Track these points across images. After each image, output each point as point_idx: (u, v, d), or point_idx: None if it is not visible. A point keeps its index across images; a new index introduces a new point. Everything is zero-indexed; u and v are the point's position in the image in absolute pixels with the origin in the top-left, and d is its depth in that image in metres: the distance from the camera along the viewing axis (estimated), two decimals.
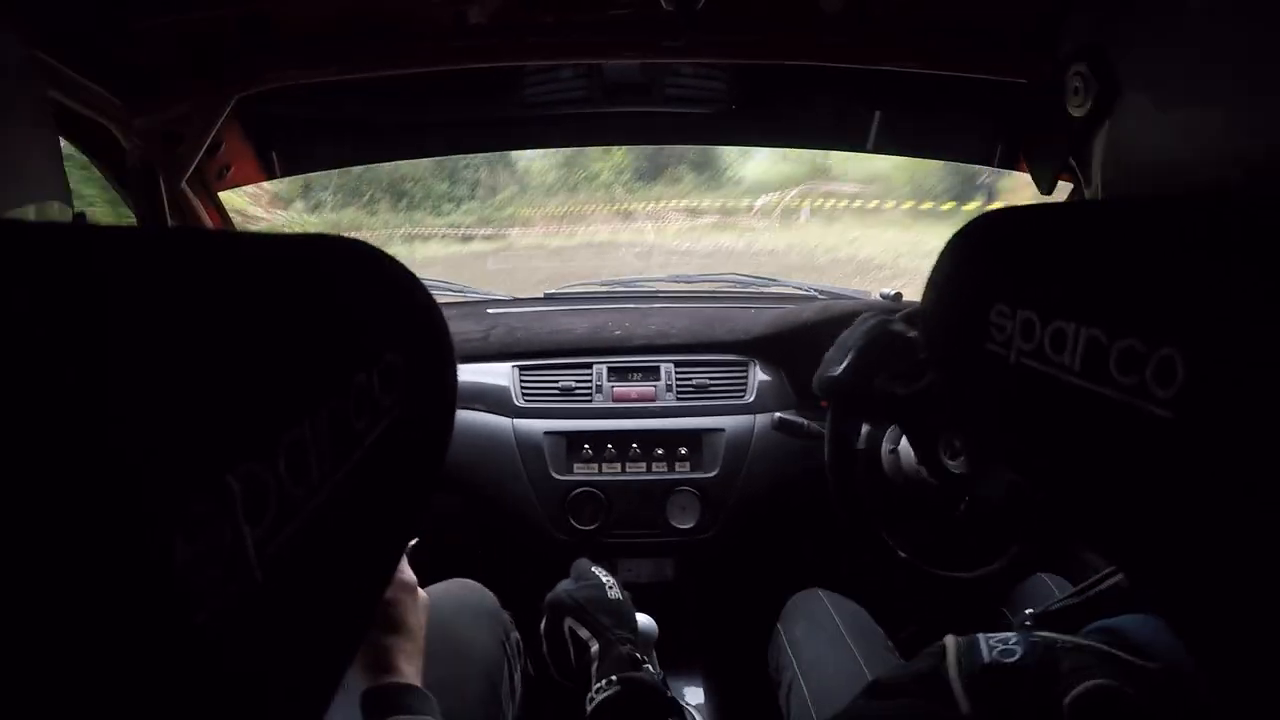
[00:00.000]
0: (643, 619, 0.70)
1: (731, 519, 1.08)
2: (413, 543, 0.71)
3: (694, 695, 1.08)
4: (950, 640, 0.43)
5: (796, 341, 1.16)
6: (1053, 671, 0.37)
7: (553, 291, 1.42)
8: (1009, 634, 0.42)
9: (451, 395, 0.29)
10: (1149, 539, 0.24)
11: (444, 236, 5.72)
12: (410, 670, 0.60)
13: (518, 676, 0.80)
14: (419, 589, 0.67)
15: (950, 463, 0.88)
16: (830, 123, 1.17)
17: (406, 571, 0.66)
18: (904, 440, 0.93)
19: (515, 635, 0.83)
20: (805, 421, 1.00)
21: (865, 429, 0.98)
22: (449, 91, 1.03)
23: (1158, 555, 0.24)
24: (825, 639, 0.84)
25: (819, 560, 1.19)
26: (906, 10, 0.83)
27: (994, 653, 0.40)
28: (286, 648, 0.18)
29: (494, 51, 0.86)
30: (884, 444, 0.96)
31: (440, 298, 0.28)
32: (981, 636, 0.42)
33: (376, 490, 0.23)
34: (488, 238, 5.75)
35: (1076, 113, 0.33)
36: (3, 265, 0.12)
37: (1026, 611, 0.53)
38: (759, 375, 1.15)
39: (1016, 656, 0.40)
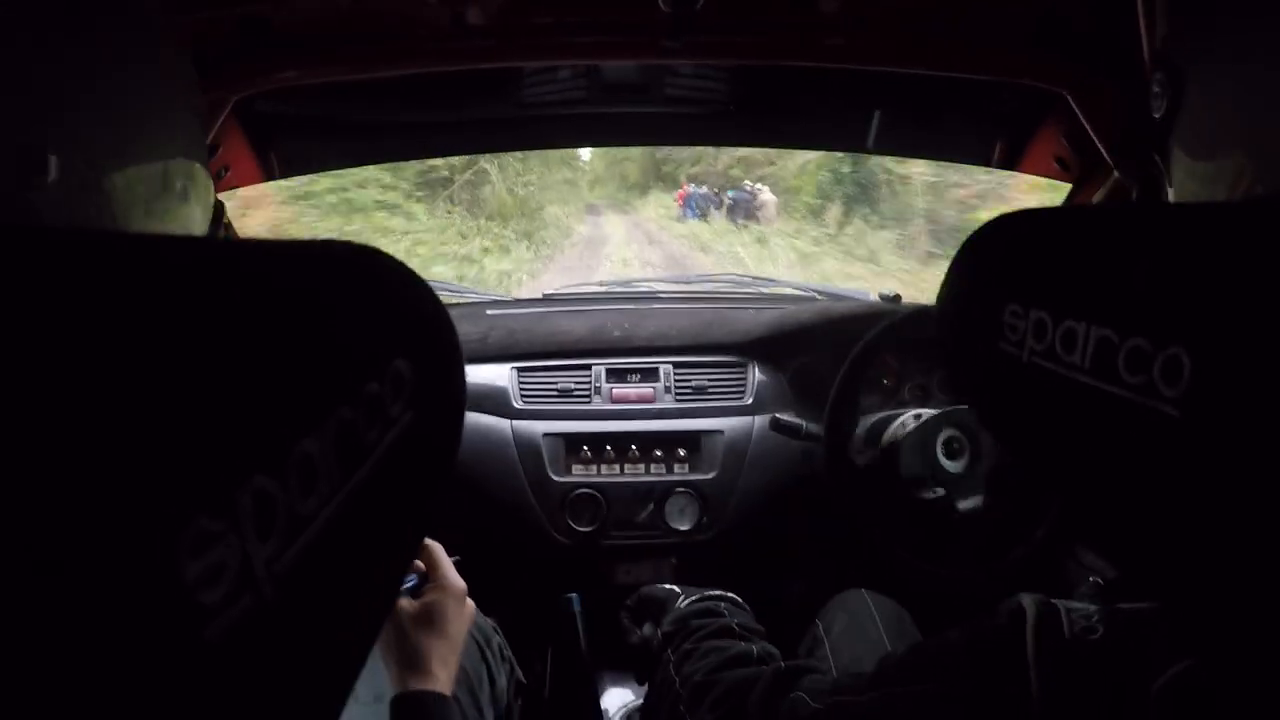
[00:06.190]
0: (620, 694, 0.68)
1: (730, 521, 1.07)
2: (453, 560, 0.72)
3: None
4: (1029, 602, 0.38)
5: (796, 343, 1.15)
6: (1140, 652, 0.33)
7: (551, 292, 1.42)
8: (1091, 607, 0.38)
9: (461, 402, 0.29)
10: (1156, 537, 0.24)
11: None
12: (444, 675, 0.60)
13: (502, 682, 0.79)
14: (468, 599, 0.67)
15: (948, 463, 0.88)
16: (829, 123, 1.17)
17: (454, 576, 0.67)
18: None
19: (498, 641, 0.82)
20: (803, 423, 1.00)
21: (863, 429, 0.98)
22: (448, 92, 1.03)
23: (1165, 553, 0.24)
24: (864, 640, 0.82)
25: (821, 561, 1.18)
26: (906, 11, 0.83)
27: (1077, 628, 0.36)
28: (297, 663, 0.18)
29: (492, 52, 0.86)
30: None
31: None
32: (1063, 606, 0.37)
33: (385, 501, 0.23)
34: None
35: (1156, 114, 0.36)
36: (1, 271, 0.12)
37: (1091, 579, 0.47)
38: (758, 376, 1.15)
39: (1100, 634, 0.35)
